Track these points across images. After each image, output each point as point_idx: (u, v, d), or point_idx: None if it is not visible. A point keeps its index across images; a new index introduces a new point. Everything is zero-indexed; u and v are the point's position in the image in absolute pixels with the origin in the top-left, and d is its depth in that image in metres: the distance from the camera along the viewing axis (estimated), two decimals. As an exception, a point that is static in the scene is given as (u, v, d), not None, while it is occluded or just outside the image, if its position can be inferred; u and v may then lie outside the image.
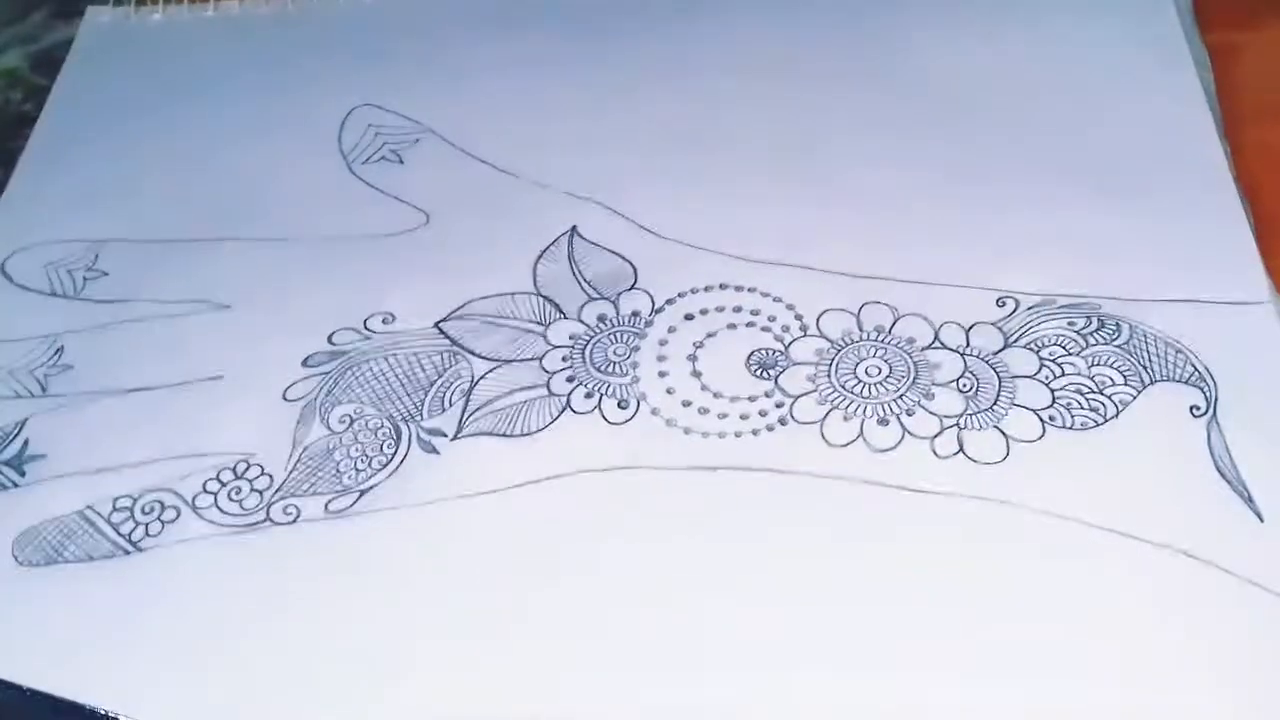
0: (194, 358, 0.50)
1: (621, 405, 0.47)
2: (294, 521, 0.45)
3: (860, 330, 0.48)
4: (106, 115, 0.61)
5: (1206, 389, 0.45)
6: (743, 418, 0.47)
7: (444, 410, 0.48)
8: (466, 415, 0.47)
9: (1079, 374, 0.46)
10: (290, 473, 0.47)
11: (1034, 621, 0.41)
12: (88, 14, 0.66)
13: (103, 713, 0.41)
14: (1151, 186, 0.51)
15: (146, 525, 0.46)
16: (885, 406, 0.46)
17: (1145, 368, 0.46)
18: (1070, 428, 0.45)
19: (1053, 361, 0.47)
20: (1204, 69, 0.55)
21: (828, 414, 0.46)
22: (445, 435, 0.47)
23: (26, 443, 0.48)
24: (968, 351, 0.47)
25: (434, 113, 0.58)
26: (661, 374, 0.48)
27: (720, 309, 0.50)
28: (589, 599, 0.43)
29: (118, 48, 0.64)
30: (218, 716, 0.42)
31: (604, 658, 0.42)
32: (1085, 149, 0.53)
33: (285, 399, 0.49)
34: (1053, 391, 0.46)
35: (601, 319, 0.50)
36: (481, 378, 0.49)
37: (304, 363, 0.50)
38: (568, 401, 0.48)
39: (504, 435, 0.47)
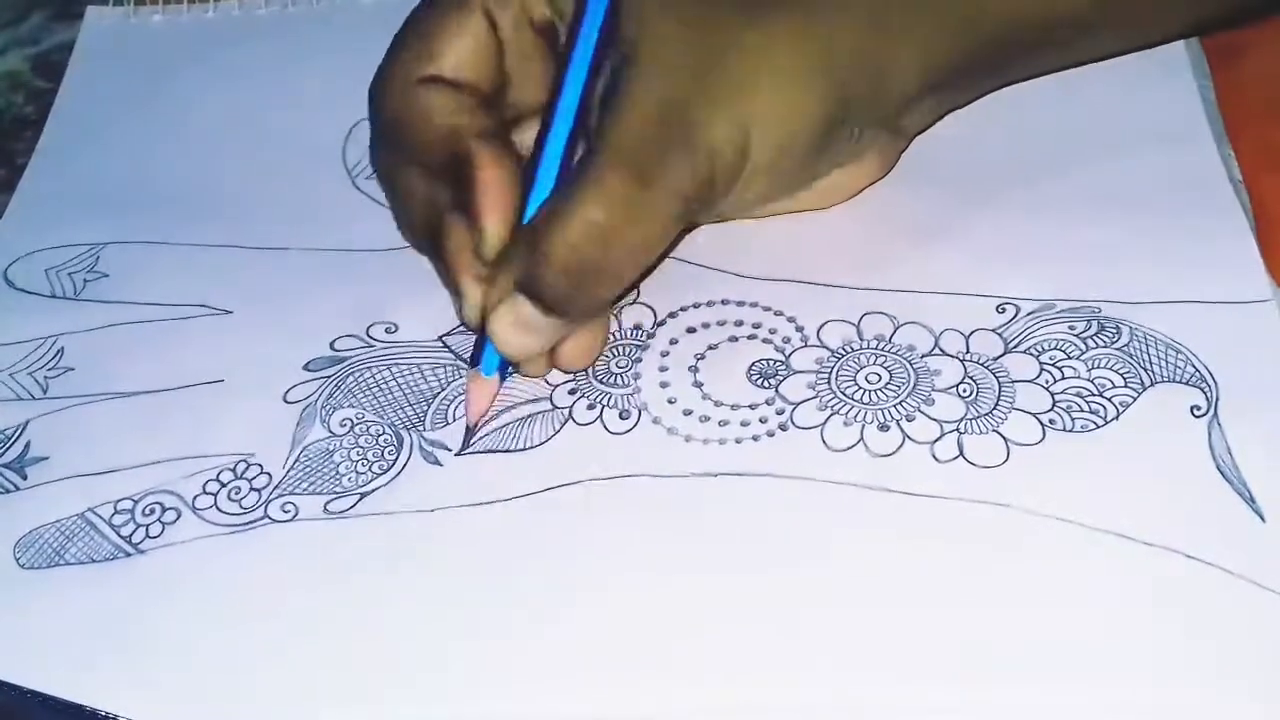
0: (194, 361, 0.50)
1: (623, 415, 0.48)
2: (292, 519, 0.45)
3: (860, 339, 0.49)
4: (108, 118, 0.61)
5: (1207, 389, 0.45)
6: (743, 425, 0.47)
7: (448, 424, 0.48)
8: (470, 433, 0.48)
9: (1079, 377, 0.46)
10: (289, 470, 0.47)
11: (1035, 623, 0.41)
12: (88, 15, 0.66)
13: (103, 713, 0.41)
14: (1149, 188, 0.51)
15: (147, 527, 0.46)
16: (885, 412, 0.46)
17: (1145, 369, 0.46)
18: (1070, 430, 0.45)
19: (1053, 365, 0.47)
20: (1201, 69, 0.55)
21: (828, 420, 0.46)
22: (449, 449, 0.47)
23: (28, 445, 0.48)
24: (968, 357, 0.47)
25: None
26: (663, 385, 0.48)
27: (721, 323, 0.50)
28: (590, 605, 0.43)
29: (118, 50, 0.64)
30: (218, 716, 0.42)
31: (604, 663, 0.42)
32: (1082, 152, 0.53)
33: (286, 401, 0.49)
34: (1053, 395, 0.46)
35: (604, 332, 0.50)
36: (485, 392, 0.49)
37: (305, 367, 0.50)
38: (570, 414, 0.48)
39: (507, 451, 0.47)
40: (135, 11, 0.66)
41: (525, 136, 0.49)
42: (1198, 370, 0.46)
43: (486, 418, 0.48)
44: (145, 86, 0.62)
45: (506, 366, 0.49)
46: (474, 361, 0.48)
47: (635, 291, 0.51)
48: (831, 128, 0.47)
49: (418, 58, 0.49)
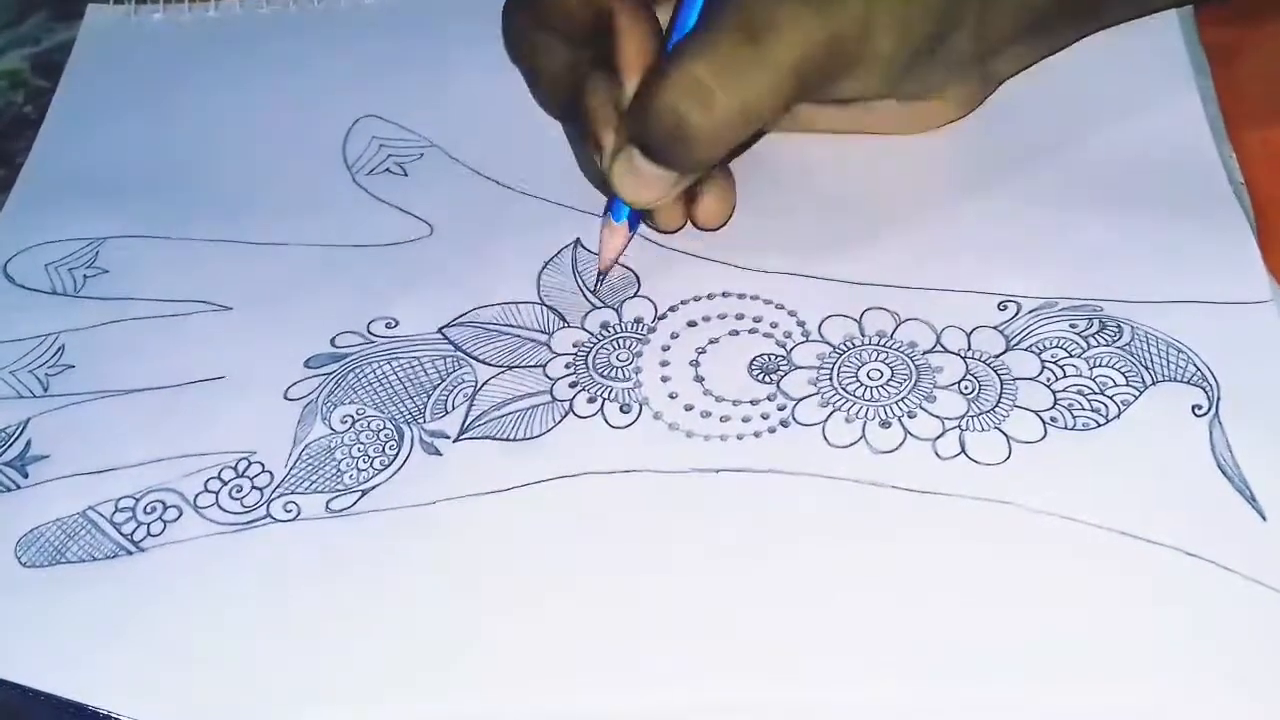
0: (195, 358, 0.50)
1: (624, 410, 0.48)
2: (294, 519, 0.45)
3: (862, 335, 0.49)
4: (108, 114, 0.61)
5: (1208, 388, 0.45)
6: (745, 420, 0.47)
7: (447, 414, 0.48)
8: (469, 420, 0.48)
9: (1080, 375, 0.46)
10: (290, 469, 0.47)
11: (1037, 621, 0.41)
12: (88, 13, 0.66)
13: (104, 713, 0.41)
14: (1151, 188, 0.51)
15: (148, 525, 0.46)
16: (887, 409, 0.46)
17: (1147, 368, 0.46)
18: (1072, 428, 0.45)
19: (1054, 363, 0.47)
20: (1202, 68, 0.55)
21: (829, 416, 0.46)
22: (448, 437, 0.47)
23: (29, 444, 0.48)
24: (969, 354, 0.47)
25: (438, 127, 0.58)
26: (664, 379, 0.48)
27: (723, 316, 0.50)
28: (590, 600, 0.43)
29: (119, 47, 0.64)
30: (219, 716, 0.42)
31: (605, 659, 0.42)
32: (1084, 152, 0.53)
33: (286, 398, 0.49)
34: (1054, 393, 0.46)
35: (605, 326, 0.50)
36: (485, 383, 0.49)
37: (306, 364, 0.50)
38: (570, 406, 0.48)
39: (507, 439, 0.47)
40: (136, 10, 0.66)
41: (665, 14, 0.50)
42: (1199, 369, 0.46)
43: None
44: (145, 84, 0.62)
45: (638, 217, 0.51)
46: (608, 209, 0.51)
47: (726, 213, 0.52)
48: (943, 33, 0.48)
49: None
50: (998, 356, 0.47)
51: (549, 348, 0.50)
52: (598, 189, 0.52)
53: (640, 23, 0.49)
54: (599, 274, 0.51)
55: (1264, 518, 0.43)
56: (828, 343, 0.49)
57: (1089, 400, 0.46)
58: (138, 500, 0.46)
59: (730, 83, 0.45)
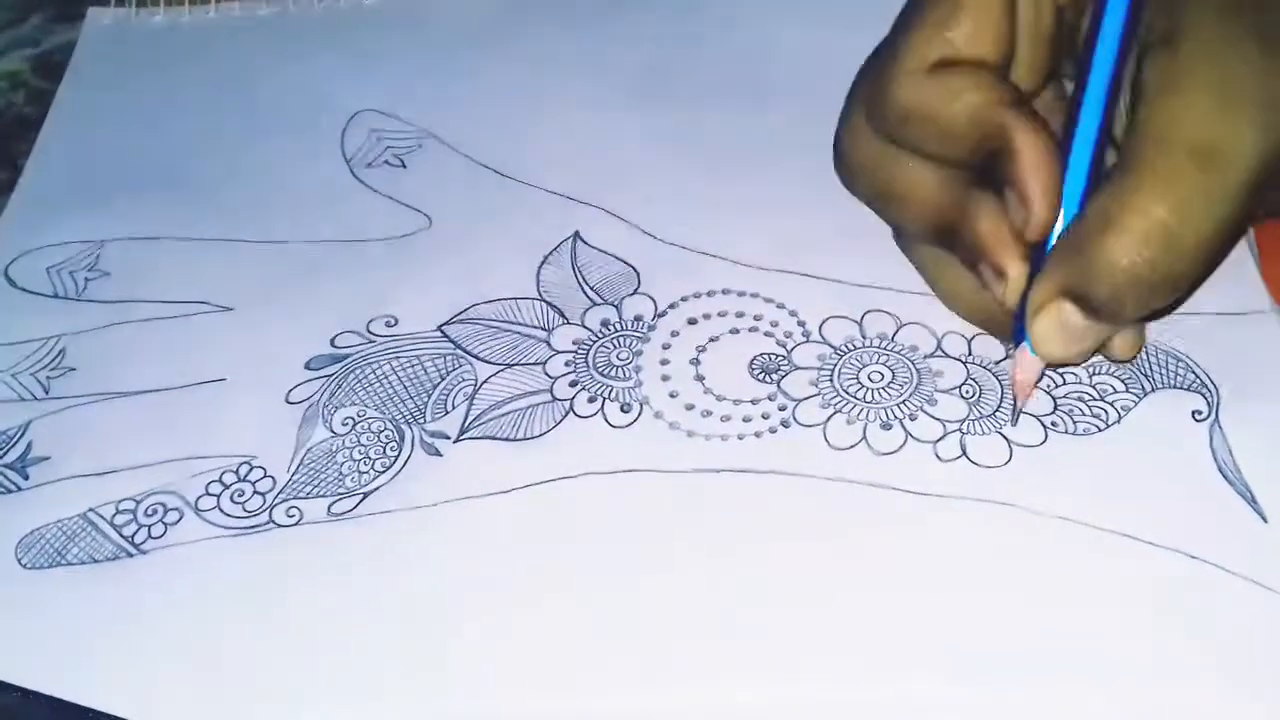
0: (196, 360, 0.50)
1: (624, 409, 0.48)
2: (297, 523, 0.45)
3: (863, 337, 0.49)
4: (109, 116, 0.61)
5: (1208, 394, 0.46)
6: (745, 421, 0.47)
7: (447, 413, 0.48)
8: (470, 419, 0.48)
9: (1080, 382, 0.46)
10: (293, 474, 0.47)
11: (1037, 623, 0.41)
12: (89, 15, 0.66)
13: (105, 715, 0.41)
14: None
15: (149, 528, 0.46)
16: (888, 411, 0.46)
17: (1146, 375, 0.46)
18: (1072, 433, 0.45)
19: (1054, 370, 0.47)
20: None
21: (830, 417, 0.46)
22: (448, 438, 0.47)
23: (30, 446, 0.48)
24: (970, 360, 0.48)
25: (436, 118, 0.58)
26: (665, 378, 0.48)
27: (723, 314, 0.50)
28: (592, 601, 0.43)
29: (120, 49, 0.64)
30: (219, 718, 0.42)
31: (606, 659, 0.42)
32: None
33: (288, 401, 0.49)
34: (1054, 399, 0.46)
35: (605, 324, 0.50)
36: (485, 382, 0.49)
37: (307, 365, 0.50)
38: (571, 406, 0.48)
39: (507, 439, 0.47)
40: (137, 12, 0.66)
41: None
42: (1198, 377, 0.46)
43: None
44: (146, 85, 0.62)
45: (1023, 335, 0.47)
46: (1017, 340, 0.45)
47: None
48: None
49: (929, 41, 0.45)
50: (998, 363, 0.47)
51: (549, 344, 0.50)
52: (971, 320, 0.48)
53: (1042, 141, 0.43)
54: (1015, 410, 0.46)
55: (1265, 520, 0.43)
56: (828, 344, 0.48)
57: (1089, 406, 0.46)
58: (139, 502, 0.46)
59: (1193, 218, 0.40)
